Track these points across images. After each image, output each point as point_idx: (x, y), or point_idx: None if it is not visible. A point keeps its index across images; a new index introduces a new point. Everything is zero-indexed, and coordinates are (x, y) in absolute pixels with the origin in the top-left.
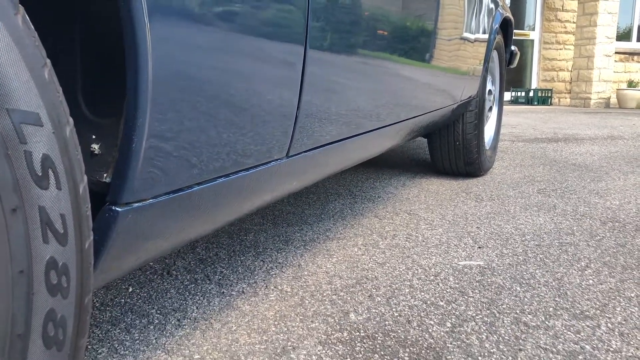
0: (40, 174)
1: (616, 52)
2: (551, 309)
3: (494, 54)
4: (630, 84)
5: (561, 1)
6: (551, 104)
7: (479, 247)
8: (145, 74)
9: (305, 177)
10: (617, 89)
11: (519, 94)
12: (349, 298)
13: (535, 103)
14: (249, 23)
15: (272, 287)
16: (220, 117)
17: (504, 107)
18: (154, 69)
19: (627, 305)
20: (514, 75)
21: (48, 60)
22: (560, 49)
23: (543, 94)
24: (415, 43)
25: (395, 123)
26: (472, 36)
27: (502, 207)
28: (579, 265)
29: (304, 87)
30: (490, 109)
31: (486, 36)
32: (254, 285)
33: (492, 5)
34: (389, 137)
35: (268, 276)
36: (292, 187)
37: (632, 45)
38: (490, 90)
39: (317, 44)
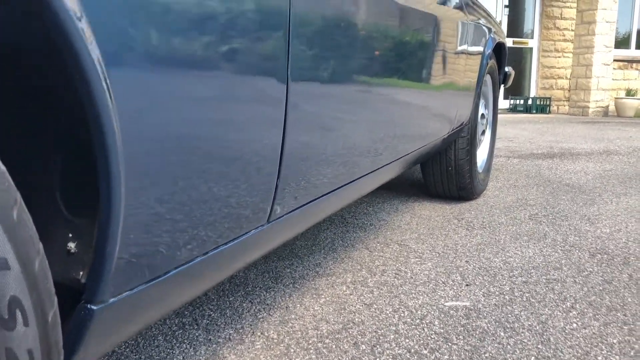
0: (6, 317)
1: (615, 60)
2: (533, 358)
3: (487, 78)
4: (629, 93)
5: (560, 9)
6: (550, 113)
7: (467, 285)
8: (117, 177)
9: (291, 233)
10: (616, 98)
11: (517, 102)
12: (334, 346)
13: (534, 111)
14: (221, 74)
15: (258, 334)
16: (195, 199)
17: (503, 115)
18: (126, 175)
19: (609, 353)
20: (512, 83)
21: (18, 196)
22: (559, 57)
23: (541, 103)
24: (403, 74)
25: (388, 164)
26: (463, 65)
27: (493, 237)
28: (564, 306)
29: (285, 148)
30: (484, 132)
31: (478, 62)
32: (240, 331)
33: (485, 30)
34: (383, 175)
35: (255, 320)
36: (275, 244)
37: (631, 52)
38: (483, 115)
39: (299, 100)
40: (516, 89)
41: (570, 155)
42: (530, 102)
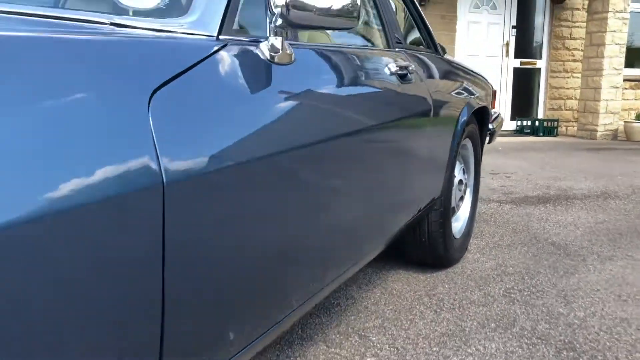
0: None
1: (626, 80)
2: None
3: (467, 142)
4: (638, 117)
5: (569, 29)
6: (557, 135)
7: None
8: None
9: None
10: (625, 122)
11: (524, 123)
12: None
13: (541, 134)
14: None
15: None
16: None
17: (508, 139)
18: None
19: None
20: (520, 104)
21: None
22: (568, 77)
23: (549, 125)
24: (356, 165)
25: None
26: (430, 141)
27: (459, 324)
28: None
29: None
30: (462, 198)
31: (450, 134)
32: None
33: (461, 97)
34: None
35: None
36: None
37: None
38: (461, 180)
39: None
40: (523, 110)
41: (565, 200)
42: (537, 123)
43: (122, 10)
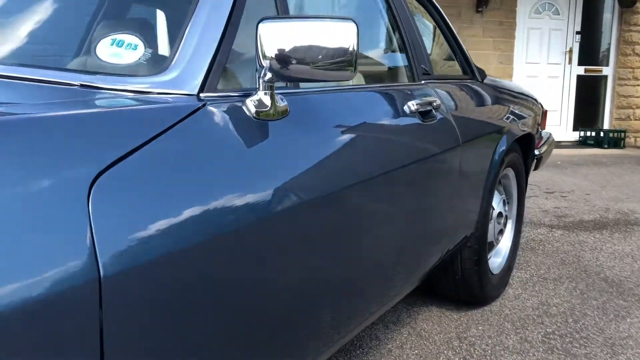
0: None
1: None
2: None
3: (508, 171)
4: None
5: None
6: (624, 147)
7: None
8: None
9: None
10: None
11: (588, 134)
12: None
13: (606, 146)
14: None
15: None
16: None
17: (568, 151)
18: None
19: None
20: (583, 113)
21: None
22: (638, 85)
23: (615, 136)
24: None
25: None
26: (459, 181)
27: None
28: None
29: None
30: (502, 231)
31: (485, 170)
32: None
33: (500, 126)
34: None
35: None
36: None
37: None
38: (501, 213)
39: None
40: (587, 120)
41: (624, 225)
42: (602, 134)
43: (98, 67)
